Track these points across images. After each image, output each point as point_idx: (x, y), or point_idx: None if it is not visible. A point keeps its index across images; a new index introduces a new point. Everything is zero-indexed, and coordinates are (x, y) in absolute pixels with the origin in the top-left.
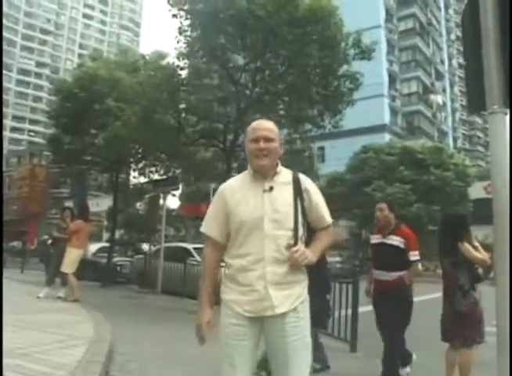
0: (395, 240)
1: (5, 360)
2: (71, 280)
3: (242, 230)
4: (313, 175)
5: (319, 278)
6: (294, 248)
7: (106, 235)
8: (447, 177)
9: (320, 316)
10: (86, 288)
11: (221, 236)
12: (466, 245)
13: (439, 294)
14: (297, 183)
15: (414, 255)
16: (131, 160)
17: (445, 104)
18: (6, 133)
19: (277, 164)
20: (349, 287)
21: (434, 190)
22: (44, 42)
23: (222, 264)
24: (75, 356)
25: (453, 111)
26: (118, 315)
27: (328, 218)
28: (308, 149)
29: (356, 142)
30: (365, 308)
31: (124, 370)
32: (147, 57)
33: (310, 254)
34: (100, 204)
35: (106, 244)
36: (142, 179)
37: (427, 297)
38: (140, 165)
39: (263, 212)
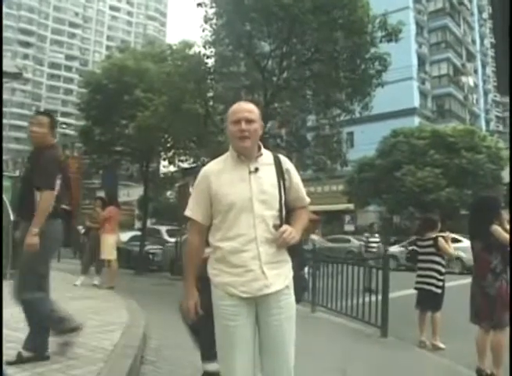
0: None
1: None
2: (113, 266)
3: (231, 212)
4: (342, 161)
5: (295, 254)
6: (282, 228)
7: (137, 224)
8: (479, 160)
9: (297, 290)
10: (120, 276)
11: (206, 219)
12: (496, 227)
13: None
14: (278, 164)
15: None
16: (161, 149)
17: (476, 86)
18: None
19: (259, 146)
20: (379, 272)
21: (466, 174)
22: (73, 35)
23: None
24: (111, 340)
25: (486, 93)
26: (151, 302)
27: (306, 198)
28: (336, 134)
29: (385, 126)
30: (396, 293)
31: (158, 355)
32: (174, 47)
33: (296, 234)
34: (131, 193)
35: (138, 233)
36: (172, 168)
37: (458, 282)
38: (169, 154)
39: (251, 194)
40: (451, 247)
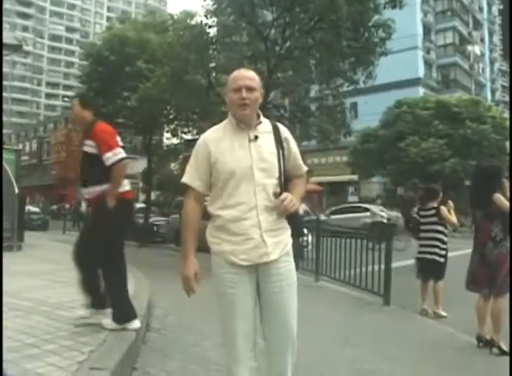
0: (88, 146)
1: (57, 311)
2: None
3: (231, 180)
4: (345, 131)
5: (294, 223)
6: (282, 196)
7: (141, 196)
8: (484, 130)
9: (295, 258)
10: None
11: (204, 187)
12: (499, 195)
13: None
14: (277, 132)
15: (108, 158)
16: (164, 121)
17: (482, 55)
18: (42, 100)
19: (258, 114)
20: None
21: (471, 144)
22: (72, 7)
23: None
24: None
25: (492, 62)
26: (156, 272)
27: (304, 167)
28: (340, 104)
29: (389, 96)
30: (399, 263)
31: (163, 322)
32: (176, 17)
33: (296, 201)
34: (135, 166)
35: (143, 205)
36: (175, 140)
37: (462, 252)
38: (172, 126)
39: (251, 161)
40: (453, 216)
